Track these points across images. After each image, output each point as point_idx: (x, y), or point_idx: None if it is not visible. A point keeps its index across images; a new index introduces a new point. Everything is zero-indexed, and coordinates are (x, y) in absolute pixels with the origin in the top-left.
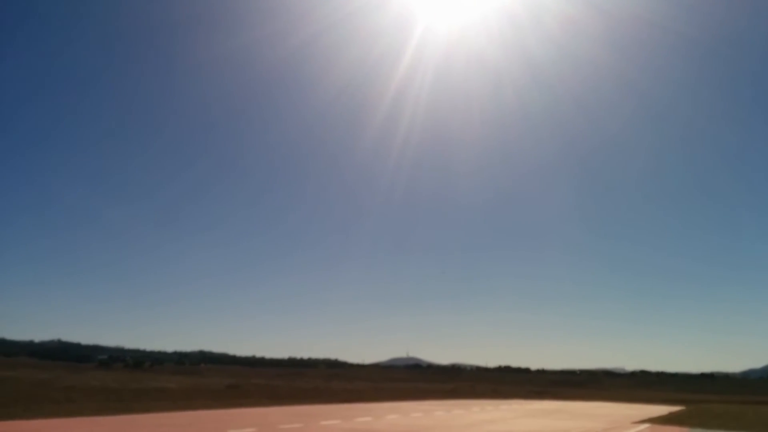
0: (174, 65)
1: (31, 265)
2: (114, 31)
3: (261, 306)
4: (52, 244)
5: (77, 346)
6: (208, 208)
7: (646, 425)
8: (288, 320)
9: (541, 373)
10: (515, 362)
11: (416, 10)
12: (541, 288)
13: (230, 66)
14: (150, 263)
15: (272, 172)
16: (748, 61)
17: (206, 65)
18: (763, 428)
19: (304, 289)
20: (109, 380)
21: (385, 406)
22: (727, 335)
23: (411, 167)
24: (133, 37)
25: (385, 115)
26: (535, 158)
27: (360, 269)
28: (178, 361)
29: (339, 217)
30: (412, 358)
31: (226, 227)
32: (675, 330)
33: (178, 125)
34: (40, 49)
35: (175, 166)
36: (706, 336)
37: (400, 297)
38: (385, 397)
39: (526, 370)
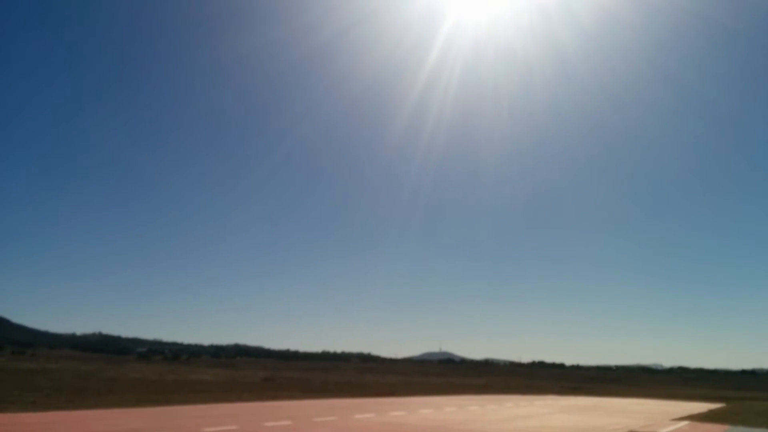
0: (198, 62)
1: (73, 261)
2: (139, 28)
3: (295, 301)
4: (93, 242)
5: (117, 339)
6: (243, 207)
7: (685, 422)
8: (322, 315)
9: (576, 369)
10: (549, 358)
11: (444, 4)
12: (577, 283)
13: (256, 63)
14: (187, 260)
15: (301, 170)
16: None
17: (231, 62)
18: None
19: (338, 284)
20: (148, 372)
21: (419, 400)
22: None
23: (439, 161)
24: (155, 36)
25: (413, 110)
26: (566, 155)
27: (393, 265)
28: (215, 354)
29: (372, 213)
30: (444, 353)
31: (262, 226)
32: (715, 325)
33: (200, 122)
34: (62, 47)
35: (208, 165)
36: (747, 331)
37: (433, 292)
38: (418, 392)
39: (561, 366)
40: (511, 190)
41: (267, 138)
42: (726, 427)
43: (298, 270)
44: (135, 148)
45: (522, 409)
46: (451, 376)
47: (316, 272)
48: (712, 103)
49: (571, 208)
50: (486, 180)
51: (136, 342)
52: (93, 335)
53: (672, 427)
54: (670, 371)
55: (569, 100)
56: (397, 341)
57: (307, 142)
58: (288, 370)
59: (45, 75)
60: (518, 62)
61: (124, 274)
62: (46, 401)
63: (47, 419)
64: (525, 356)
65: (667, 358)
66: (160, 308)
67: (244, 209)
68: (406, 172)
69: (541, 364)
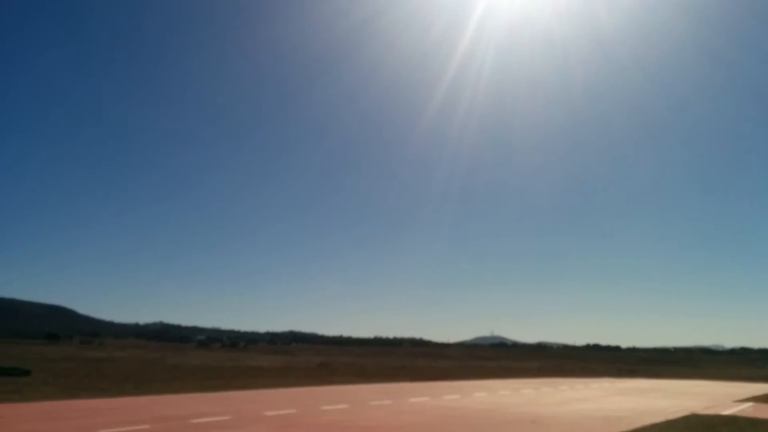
0: (231, 53)
1: (135, 255)
2: (178, 16)
3: (347, 287)
4: (153, 236)
5: (178, 328)
6: (297, 197)
7: (749, 404)
8: (374, 301)
9: (632, 351)
10: (604, 340)
11: None
12: (631, 263)
13: (287, 47)
14: (243, 251)
15: (343, 155)
16: None
17: (265, 50)
18: None
19: (390, 270)
20: (208, 359)
21: (472, 384)
22: None
23: (472, 148)
24: (195, 21)
25: (444, 96)
26: (607, 140)
27: (444, 249)
28: (270, 341)
29: (420, 200)
30: (496, 337)
31: (312, 215)
32: None
33: (238, 113)
34: (98, 34)
35: (252, 154)
36: None
37: (485, 276)
38: (471, 376)
39: (616, 348)
40: (553, 171)
41: (304, 125)
42: None
43: (349, 258)
44: (184, 141)
45: (577, 392)
46: (504, 360)
47: (368, 260)
48: (761, 80)
49: (619, 187)
50: (529, 161)
51: (195, 330)
52: (155, 324)
53: (735, 409)
54: (732, 352)
55: (608, 81)
56: (448, 326)
57: (343, 128)
58: (342, 355)
59: (102, 74)
60: (555, 44)
61: (183, 266)
62: (116, 388)
63: (119, 405)
64: (579, 339)
65: (728, 339)
66: (218, 297)
67: (296, 202)
68: (440, 159)
69: (596, 347)
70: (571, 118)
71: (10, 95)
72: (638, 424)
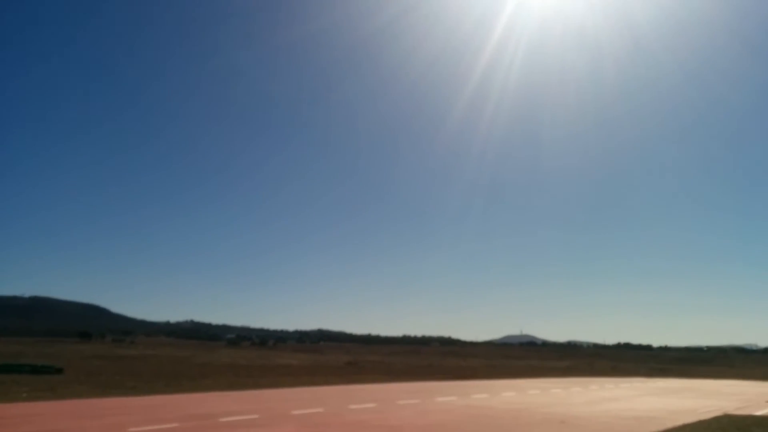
0: (260, 43)
1: (166, 256)
2: (213, 14)
3: (376, 286)
4: (184, 238)
5: (208, 326)
6: (321, 197)
7: None
8: (402, 300)
9: (664, 350)
10: (635, 339)
11: None
12: (662, 260)
13: (319, 44)
14: (273, 251)
15: (372, 158)
16: None
17: (294, 44)
18: None
19: (418, 269)
20: (238, 357)
21: (501, 383)
22: None
23: (501, 145)
24: (233, 18)
25: (474, 91)
26: (641, 137)
27: (473, 247)
28: (299, 339)
29: (448, 197)
30: (526, 336)
31: (342, 215)
32: None
33: (278, 114)
34: (148, 33)
35: (285, 158)
36: None
37: (514, 274)
38: (499, 375)
39: (648, 347)
40: (583, 168)
41: (334, 123)
42: None
43: (378, 257)
44: (218, 142)
45: (608, 391)
46: (533, 359)
47: (394, 258)
48: None
49: (651, 184)
50: (558, 158)
51: (225, 329)
52: (185, 323)
53: None
54: (766, 351)
55: (642, 76)
56: (477, 325)
57: (371, 125)
58: (370, 354)
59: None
60: (587, 39)
61: (214, 266)
62: (146, 386)
63: (149, 403)
64: (609, 338)
65: (762, 338)
66: (247, 296)
67: (322, 199)
68: (467, 155)
69: (627, 346)
70: (603, 115)
71: (63, 92)
72: (670, 425)
